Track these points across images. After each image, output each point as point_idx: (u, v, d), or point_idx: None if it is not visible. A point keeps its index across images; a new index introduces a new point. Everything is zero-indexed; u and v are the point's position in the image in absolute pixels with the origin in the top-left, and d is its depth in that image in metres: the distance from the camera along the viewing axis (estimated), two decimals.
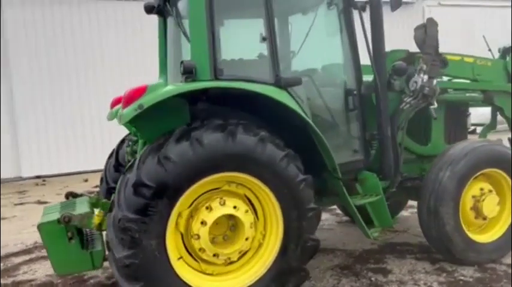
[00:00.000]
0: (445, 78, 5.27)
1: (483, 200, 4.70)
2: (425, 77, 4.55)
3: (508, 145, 5.56)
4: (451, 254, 4.66)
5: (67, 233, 3.97)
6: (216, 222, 3.68)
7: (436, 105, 4.64)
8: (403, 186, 4.91)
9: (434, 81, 4.59)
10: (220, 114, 3.77)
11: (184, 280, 3.59)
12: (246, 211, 3.76)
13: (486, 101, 5.37)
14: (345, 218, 6.51)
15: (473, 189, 4.72)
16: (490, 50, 5.57)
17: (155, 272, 3.46)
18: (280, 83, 3.95)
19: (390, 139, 4.47)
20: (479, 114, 6.06)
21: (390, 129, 4.50)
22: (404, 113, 4.69)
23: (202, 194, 3.71)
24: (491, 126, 5.80)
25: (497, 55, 5.58)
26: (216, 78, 3.80)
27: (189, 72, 3.72)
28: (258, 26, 4.08)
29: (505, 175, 4.82)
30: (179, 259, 3.64)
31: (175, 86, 3.73)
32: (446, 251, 4.68)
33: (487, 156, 4.72)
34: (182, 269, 3.63)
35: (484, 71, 5.29)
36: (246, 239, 3.75)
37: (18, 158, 11.80)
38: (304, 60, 4.63)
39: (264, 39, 3.99)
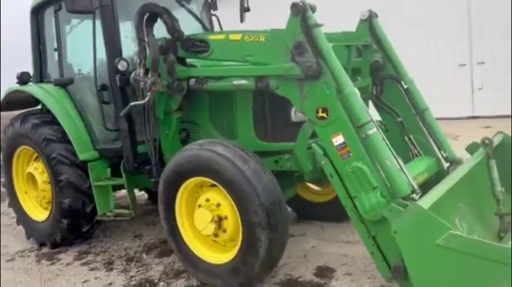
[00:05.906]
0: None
1: (194, 212, 3.89)
2: (142, 71, 4.16)
3: None
4: None
5: None
6: None
7: (145, 100, 4.09)
8: None
9: (150, 74, 4.09)
10: None
11: None
12: None
13: (262, 89, 3.81)
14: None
15: (201, 198, 3.87)
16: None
17: None
18: (57, 83, 5.14)
19: (127, 132, 4.56)
20: None
21: (148, 126, 4.27)
22: (147, 109, 4.22)
23: None
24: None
25: None
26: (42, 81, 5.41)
27: None
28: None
29: (222, 188, 3.67)
30: None
31: None
32: None
33: (189, 162, 3.79)
34: None
35: (256, 50, 3.75)
36: None
37: None
38: (80, 62, 5.33)
39: (55, 49, 5.18)
